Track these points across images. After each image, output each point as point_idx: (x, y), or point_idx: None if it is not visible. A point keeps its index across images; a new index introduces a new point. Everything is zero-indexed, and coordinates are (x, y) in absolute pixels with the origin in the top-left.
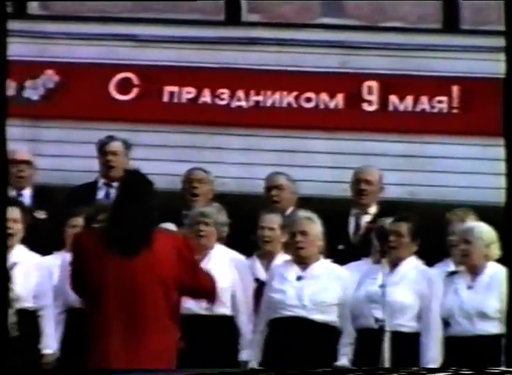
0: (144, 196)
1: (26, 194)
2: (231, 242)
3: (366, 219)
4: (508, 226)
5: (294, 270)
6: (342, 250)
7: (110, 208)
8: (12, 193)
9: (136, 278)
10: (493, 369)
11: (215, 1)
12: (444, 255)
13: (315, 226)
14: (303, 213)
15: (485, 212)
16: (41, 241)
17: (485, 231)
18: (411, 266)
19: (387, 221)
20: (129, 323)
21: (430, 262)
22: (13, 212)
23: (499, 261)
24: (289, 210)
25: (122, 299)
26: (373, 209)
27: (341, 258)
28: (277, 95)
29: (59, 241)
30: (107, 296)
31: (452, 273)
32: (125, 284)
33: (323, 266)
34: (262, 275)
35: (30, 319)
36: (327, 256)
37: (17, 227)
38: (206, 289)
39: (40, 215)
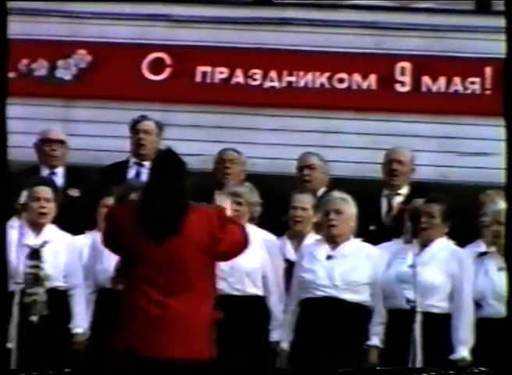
0: (176, 176)
1: (60, 174)
2: (262, 223)
3: (398, 200)
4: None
5: (325, 249)
6: (373, 231)
7: (143, 187)
8: (45, 172)
9: (170, 259)
10: None
11: None
12: (476, 237)
13: (350, 207)
14: (338, 194)
15: None
16: (73, 221)
17: None
18: (441, 246)
19: (419, 202)
20: (165, 296)
21: (461, 243)
22: (45, 192)
23: None
24: (321, 191)
25: (156, 277)
26: (405, 190)
27: (373, 239)
28: (309, 76)
29: (91, 221)
30: (139, 275)
31: (482, 254)
32: (158, 265)
33: (353, 245)
34: (292, 256)
35: (60, 299)
36: (358, 237)
37: (49, 206)
38: (240, 250)
39: (74, 193)
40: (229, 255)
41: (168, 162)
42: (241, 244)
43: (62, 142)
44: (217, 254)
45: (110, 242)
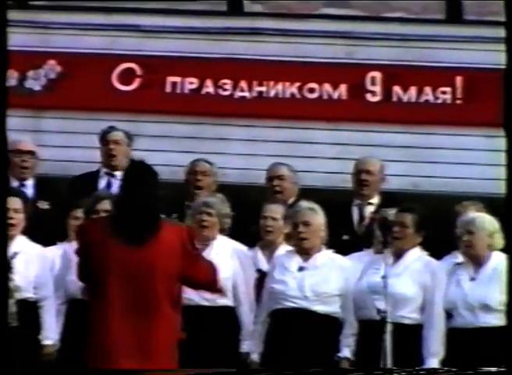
0: (149, 186)
1: (29, 185)
2: (233, 233)
3: (370, 209)
4: (509, 218)
5: (296, 261)
6: (346, 240)
7: (115, 197)
8: (15, 183)
9: (141, 267)
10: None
11: None
12: (452, 248)
13: (318, 217)
14: (306, 204)
15: (488, 204)
16: (44, 232)
17: (487, 221)
18: (415, 257)
19: (390, 212)
20: (132, 312)
21: (438, 254)
22: (15, 203)
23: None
24: (291, 201)
25: (126, 288)
26: (375, 200)
27: (345, 249)
28: (280, 86)
29: (62, 232)
30: (111, 285)
31: (458, 265)
32: (129, 273)
33: (325, 257)
34: (264, 266)
35: (30, 310)
36: (331, 247)
37: (18, 217)
38: (207, 280)
39: (43, 205)
40: (200, 281)
41: (140, 172)
42: (209, 276)
43: (32, 153)
44: (189, 274)
45: (82, 274)
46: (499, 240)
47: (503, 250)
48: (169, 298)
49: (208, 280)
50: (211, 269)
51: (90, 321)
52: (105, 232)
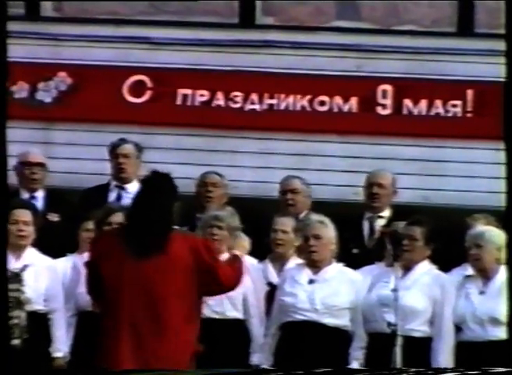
0: (165, 199)
1: (39, 197)
2: None
3: (380, 222)
4: (509, 231)
5: (306, 274)
6: (356, 254)
7: (128, 208)
8: (25, 195)
9: (150, 280)
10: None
11: (230, 2)
12: (462, 260)
13: (328, 230)
14: (316, 217)
15: (498, 217)
16: (54, 244)
17: (495, 235)
18: (424, 270)
19: (401, 225)
20: (143, 326)
21: (448, 266)
22: (25, 215)
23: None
24: (303, 214)
25: (137, 301)
26: (386, 213)
27: (355, 262)
28: (291, 98)
29: (72, 244)
30: (122, 298)
31: (467, 277)
32: (140, 286)
33: (335, 270)
34: (275, 278)
35: (40, 322)
36: (341, 260)
37: (29, 230)
38: (230, 286)
39: (53, 217)
40: (223, 287)
41: (157, 183)
42: (228, 281)
43: (41, 165)
44: (210, 283)
45: (92, 288)
46: None
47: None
48: (182, 311)
49: (231, 285)
50: (233, 272)
51: (101, 335)
52: (117, 243)
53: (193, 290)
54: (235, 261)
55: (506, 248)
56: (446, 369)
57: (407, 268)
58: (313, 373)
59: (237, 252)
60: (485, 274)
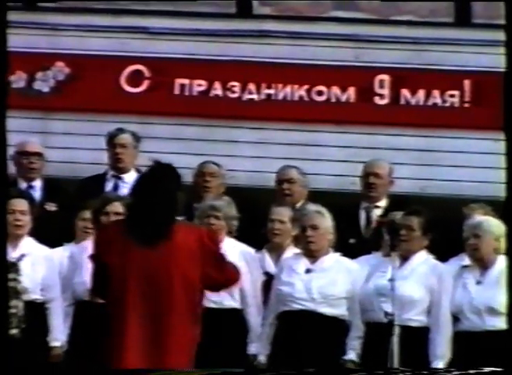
0: (169, 188)
1: (37, 186)
2: (241, 236)
3: (377, 212)
4: (508, 221)
5: (303, 263)
6: (353, 244)
7: (129, 199)
8: (23, 185)
9: (155, 269)
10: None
11: None
12: (459, 250)
13: (325, 220)
14: (313, 207)
15: (495, 207)
16: (51, 233)
17: (493, 225)
18: (421, 260)
19: (398, 215)
20: (150, 315)
21: (444, 256)
22: (21, 204)
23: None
24: (300, 204)
25: (143, 291)
26: (383, 203)
27: (352, 252)
28: (288, 88)
29: (69, 234)
30: (128, 287)
31: (465, 267)
32: (145, 275)
33: (332, 259)
34: (271, 268)
35: (38, 312)
36: (338, 250)
37: (25, 219)
38: (232, 281)
39: (51, 207)
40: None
41: (160, 173)
42: (233, 277)
43: (39, 154)
44: (215, 274)
45: (98, 284)
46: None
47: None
48: (187, 301)
49: (233, 280)
50: (234, 269)
51: (108, 323)
52: (121, 234)
53: (198, 279)
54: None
55: (506, 238)
56: (439, 370)
57: (404, 258)
58: (311, 373)
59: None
60: (482, 264)
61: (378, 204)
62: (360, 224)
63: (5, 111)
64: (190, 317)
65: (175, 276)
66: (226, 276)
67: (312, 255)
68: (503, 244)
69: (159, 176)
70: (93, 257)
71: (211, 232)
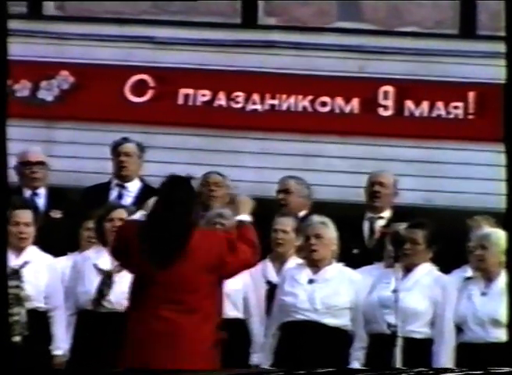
0: (183, 201)
1: (42, 194)
2: None
3: (380, 223)
4: (509, 233)
5: (306, 273)
6: (356, 254)
7: (149, 212)
8: (27, 193)
9: (175, 282)
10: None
11: (232, 3)
12: (462, 262)
13: (329, 231)
14: (317, 218)
15: (499, 219)
16: (55, 242)
17: (501, 238)
18: (425, 271)
19: (402, 226)
20: (173, 310)
21: (448, 268)
22: (25, 216)
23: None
24: (302, 214)
25: (163, 298)
26: (387, 214)
27: (355, 263)
28: (292, 99)
29: (73, 242)
30: (149, 289)
31: (468, 279)
32: (164, 287)
33: (335, 270)
34: (274, 278)
35: (40, 320)
36: (341, 260)
37: (29, 231)
38: (247, 261)
39: (56, 214)
40: (234, 274)
41: (177, 187)
42: (248, 263)
43: (42, 163)
44: (223, 275)
45: (120, 256)
46: None
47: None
48: (209, 300)
49: (245, 262)
50: (248, 250)
51: (130, 318)
52: (140, 245)
53: (217, 285)
54: (245, 231)
55: (506, 250)
56: (447, 370)
57: (408, 269)
58: (314, 374)
59: (243, 218)
60: (487, 276)
61: (382, 214)
62: (364, 235)
63: (5, 119)
64: (212, 317)
65: (194, 286)
66: (240, 257)
67: (315, 264)
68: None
69: (176, 190)
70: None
71: (228, 233)
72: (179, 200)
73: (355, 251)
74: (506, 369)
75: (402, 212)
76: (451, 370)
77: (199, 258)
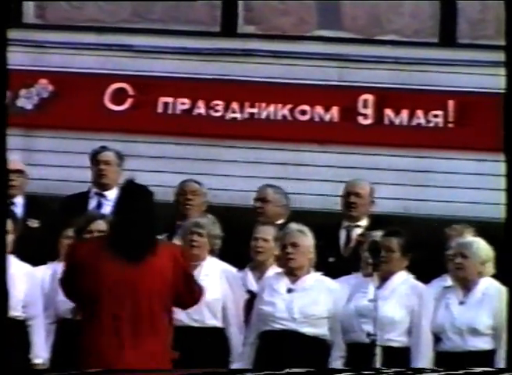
0: (146, 205)
1: (19, 203)
2: (223, 254)
3: (357, 232)
4: (508, 243)
5: (284, 283)
6: (332, 263)
7: (111, 217)
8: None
9: (138, 285)
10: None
11: (212, 11)
12: (441, 271)
13: (307, 239)
14: (295, 226)
15: (478, 227)
16: (34, 251)
17: (482, 248)
18: (401, 280)
19: (378, 235)
20: (126, 327)
21: (426, 277)
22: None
23: (495, 277)
24: (280, 222)
25: (120, 307)
26: (364, 222)
27: (332, 271)
28: (272, 107)
29: (52, 251)
30: (104, 303)
31: (447, 288)
32: (125, 292)
33: (313, 279)
34: (254, 287)
35: (19, 329)
36: (318, 269)
37: (9, 240)
38: (196, 300)
39: (33, 223)
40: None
41: (137, 191)
42: (196, 303)
43: (20, 172)
44: (180, 295)
45: (70, 292)
46: (490, 269)
47: (494, 276)
48: (164, 315)
49: (197, 300)
50: (199, 289)
51: (82, 340)
52: (99, 251)
53: (171, 298)
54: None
55: (506, 260)
56: (426, 369)
57: (384, 278)
58: (296, 374)
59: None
60: (465, 285)
61: (359, 223)
62: (340, 243)
63: (5, 130)
64: (166, 329)
65: (154, 291)
66: (194, 296)
67: (293, 273)
68: (487, 269)
69: (133, 194)
70: (65, 272)
71: (183, 249)
72: (139, 205)
73: (331, 259)
74: (487, 369)
75: (379, 221)
76: (431, 370)
77: (158, 266)
